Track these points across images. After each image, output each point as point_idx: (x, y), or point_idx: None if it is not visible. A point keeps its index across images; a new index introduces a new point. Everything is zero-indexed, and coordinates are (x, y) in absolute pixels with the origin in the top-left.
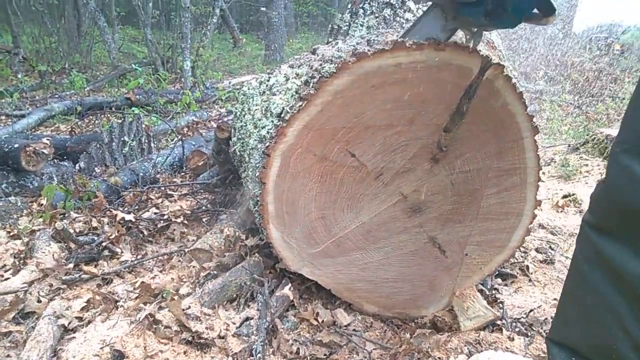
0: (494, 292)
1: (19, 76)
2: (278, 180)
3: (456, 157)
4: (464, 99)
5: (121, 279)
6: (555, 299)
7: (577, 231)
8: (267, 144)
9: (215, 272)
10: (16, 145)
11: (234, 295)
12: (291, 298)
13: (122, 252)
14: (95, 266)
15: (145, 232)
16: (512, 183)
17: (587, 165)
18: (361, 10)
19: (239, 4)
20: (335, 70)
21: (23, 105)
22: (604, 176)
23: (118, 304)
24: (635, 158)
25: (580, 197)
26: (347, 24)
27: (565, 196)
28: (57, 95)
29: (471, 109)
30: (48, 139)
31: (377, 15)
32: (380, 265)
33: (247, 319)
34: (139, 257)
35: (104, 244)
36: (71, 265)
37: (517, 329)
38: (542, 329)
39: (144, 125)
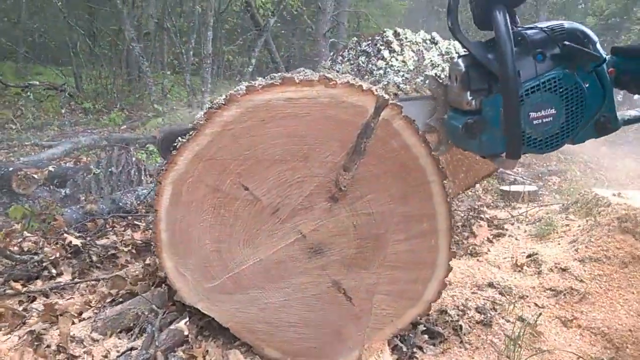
0: (415, 350)
1: (63, 111)
2: (170, 208)
3: (357, 198)
4: (360, 138)
5: (46, 298)
6: None
7: (528, 293)
8: (158, 172)
9: (121, 300)
10: (10, 169)
11: (131, 325)
12: (185, 333)
13: (61, 274)
14: (27, 284)
15: (94, 258)
16: (421, 230)
17: (567, 225)
18: (340, 58)
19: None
20: (224, 102)
21: (57, 138)
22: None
23: (26, 320)
24: None
25: (543, 258)
26: (327, 70)
27: (529, 255)
28: (88, 130)
29: (370, 149)
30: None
31: (352, 62)
32: (281, 307)
33: (132, 349)
34: (74, 280)
35: (44, 264)
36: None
37: None
38: None
39: (133, 159)
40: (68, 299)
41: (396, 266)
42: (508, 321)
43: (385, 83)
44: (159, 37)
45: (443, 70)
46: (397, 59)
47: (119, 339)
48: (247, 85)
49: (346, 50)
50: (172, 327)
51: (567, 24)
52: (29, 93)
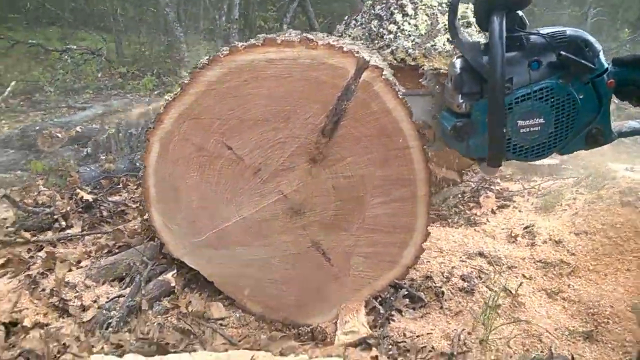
0: (393, 313)
1: (99, 75)
2: (158, 165)
3: (337, 160)
4: (340, 99)
5: (53, 248)
6: (454, 330)
7: (517, 264)
8: (146, 130)
9: (117, 251)
10: (37, 128)
11: (124, 274)
12: (172, 284)
13: (71, 226)
14: (38, 235)
15: (105, 213)
16: (401, 195)
17: (574, 199)
18: (353, 22)
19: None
20: (207, 62)
21: (91, 101)
22: None
23: (30, 266)
24: None
25: (539, 230)
26: (340, 34)
27: (526, 227)
28: (121, 94)
29: (350, 112)
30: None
31: (364, 26)
32: (264, 264)
33: (120, 296)
34: (82, 232)
35: (55, 216)
36: (12, 229)
37: (390, 352)
38: (416, 356)
39: None
40: (73, 249)
41: (375, 229)
42: (491, 290)
43: (394, 48)
44: (194, 2)
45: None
46: (409, 23)
47: (112, 286)
48: (230, 46)
49: (360, 14)
50: (160, 278)
51: (570, 31)
52: (66, 57)
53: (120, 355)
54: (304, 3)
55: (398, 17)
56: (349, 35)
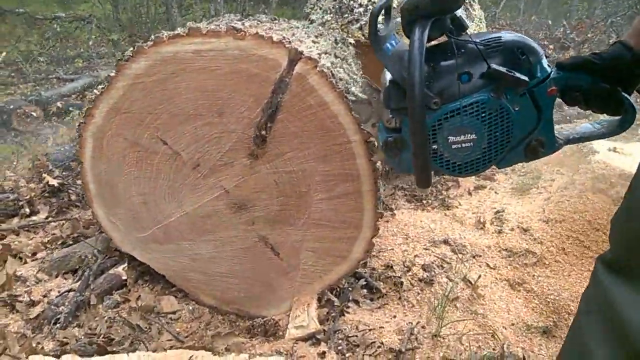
0: (350, 304)
1: (90, 43)
2: (94, 161)
3: (277, 155)
4: (275, 93)
5: (16, 236)
6: (409, 323)
7: (482, 252)
8: (78, 124)
9: (71, 242)
10: (11, 107)
11: (76, 267)
12: (123, 277)
13: (38, 212)
14: (5, 222)
15: (74, 197)
16: (345, 190)
17: (552, 180)
18: None
19: None
20: (132, 55)
21: (82, 70)
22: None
23: None
24: None
25: (508, 216)
26: (312, 5)
27: (497, 212)
28: (110, 63)
29: (286, 106)
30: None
31: None
32: (212, 258)
33: (71, 290)
34: (47, 218)
35: (20, 202)
36: None
37: (339, 347)
38: (364, 352)
39: None
40: (31, 239)
41: (321, 224)
42: (452, 280)
43: (363, 23)
44: None
45: None
46: None
47: (64, 279)
48: (154, 36)
49: None
50: (110, 271)
51: (507, 36)
52: (56, 25)
53: (58, 356)
54: None
55: None
56: (320, 8)
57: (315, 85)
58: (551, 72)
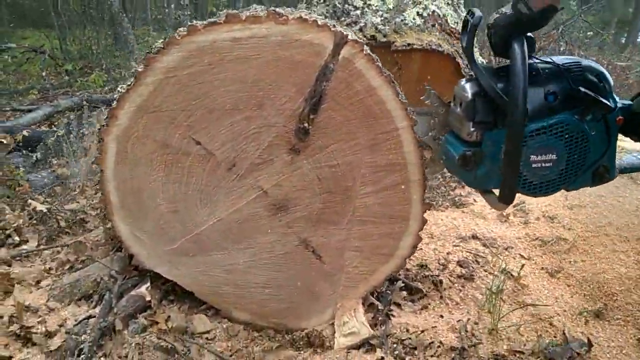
0: (392, 307)
1: (43, 74)
2: (117, 167)
3: (320, 148)
4: (319, 80)
5: (8, 267)
6: (459, 321)
7: (513, 244)
8: (99, 128)
9: (80, 266)
10: None
11: (90, 291)
12: (147, 298)
13: (27, 241)
14: None
15: (63, 223)
16: (392, 181)
17: None
18: (315, 0)
19: None
20: (163, 46)
21: (37, 102)
22: None
23: None
24: None
25: (530, 207)
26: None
27: (515, 205)
28: (68, 93)
29: (331, 94)
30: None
31: (327, 3)
32: (248, 268)
33: (90, 317)
34: (39, 246)
35: (7, 231)
36: None
37: (395, 352)
38: (424, 353)
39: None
40: (30, 267)
41: (367, 220)
42: (491, 274)
43: (363, 25)
44: None
45: (425, 8)
46: None
47: (78, 307)
48: (188, 25)
49: None
50: (132, 292)
51: (584, 62)
52: (7, 57)
53: None
54: None
55: None
56: (314, 12)
57: (363, 69)
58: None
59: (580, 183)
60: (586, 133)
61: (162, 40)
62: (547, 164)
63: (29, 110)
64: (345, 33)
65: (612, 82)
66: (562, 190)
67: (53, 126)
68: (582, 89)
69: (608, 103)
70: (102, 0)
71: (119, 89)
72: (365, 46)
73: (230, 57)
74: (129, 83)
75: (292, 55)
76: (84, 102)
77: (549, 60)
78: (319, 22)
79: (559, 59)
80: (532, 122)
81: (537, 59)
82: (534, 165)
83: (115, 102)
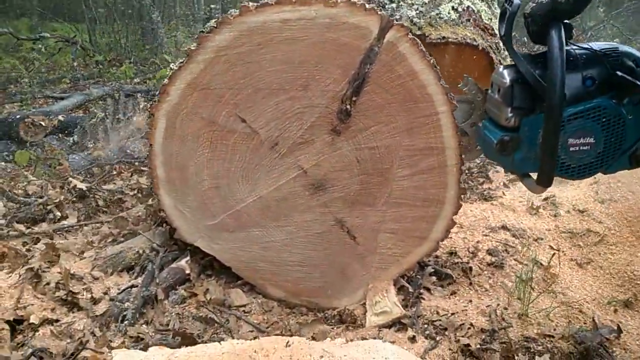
0: (422, 291)
1: (75, 64)
2: (165, 142)
3: (360, 130)
4: (363, 63)
5: (50, 240)
6: (489, 306)
7: (543, 235)
8: (150, 103)
9: (122, 239)
10: (18, 117)
11: (132, 263)
12: (187, 271)
13: (66, 217)
14: (32, 227)
15: (100, 202)
16: (429, 165)
17: None
18: None
19: None
20: (215, 26)
21: (69, 90)
22: None
23: (28, 260)
24: None
25: (560, 200)
26: None
27: (545, 198)
28: (100, 83)
29: (374, 76)
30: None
31: None
32: (284, 246)
33: (133, 286)
34: (79, 222)
35: (48, 207)
36: (3, 221)
37: (426, 332)
38: (455, 334)
39: (141, 106)
40: (72, 240)
41: (402, 203)
42: (520, 263)
43: (398, 17)
44: None
45: (460, 3)
46: None
47: (120, 277)
48: (241, 6)
49: None
50: (173, 265)
51: (621, 48)
52: (40, 46)
53: (143, 349)
54: None
55: None
56: None
57: (406, 53)
58: None
59: (618, 166)
60: (623, 117)
61: (215, 20)
62: (585, 147)
63: (62, 98)
64: (390, 17)
65: None
66: (593, 186)
67: (88, 112)
68: (620, 74)
69: None
70: None
71: (171, 65)
72: (409, 31)
73: (279, 37)
74: (181, 61)
75: (338, 37)
76: (115, 92)
77: (586, 46)
78: (367, 6)
79: (597, 45)
80: (570, 106)
81: (574, 45)
82: (571, 149)
83: (166, 79)
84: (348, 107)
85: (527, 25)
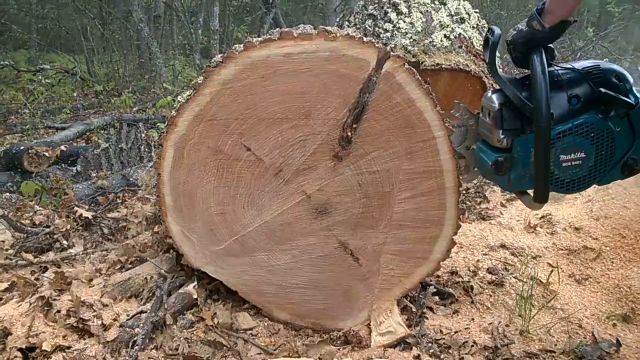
0: (425, 310)
1: (75, 94)
2: (173, 171)
3: (361, 155)
4: (362, 92)
5: (58, 268)
6: (491, 323)
7: (541, 253)
8: (160, 134)
9: (130, 266)
10: (21, 148)
11: (140, 289)
12: (194, 296)
13: (73, 246)
14: (39, 256)
15: (106, 230)
16: (428, 187)
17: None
18: (346, 23)
19: None
20: (221, 60)
21: (69, 120)
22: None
23: (37, 289)
24: None
25: (556, 218)
26: None
27: (542, 217)
28: (100, 112)
29: (373, 105)
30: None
31: (359, 26)
32: (289, 269)
33: (141, 312)
34: (86, 250)
35: (55, 236)
36: (11, 251)
37: (430, 350)
38: (459, 352)
39: (143, 135)
40: (80, 268)
41: (403, 225)
42: (520, 281)
43: (393, 46)
44: (168, 17)
45: (452, 31)
46: (404, 21)
47: (129, 303)
48: (245, 42)
49: (352, 14)
50: (181, 290)
51: (602, 65)
52: (40, 78)
53: None
54: (276, 16)
55: (392, 15)
56: None
57: (403, 82)
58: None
59: (611, 177)
60: (611, 130)
61: (220, 55)
62: (577, 162)
63: (63, 128)
64: (387, 49)
65: (632, 81)
66: (588, 204)
67: (90, 142)
68: (603, 90)
69: (629, 100)
70: (129, 27)
71: (178, 98)
72: (406, 61)
73: (282, 70)
74: (188, 93)
75: (338, 69)
76: (116, 121)
77: (569, 66)
78: (364, 39)
79: (579, 64)
80: (558, 124)
81: (557, 66)
82: (564, 165)
83: (174, 111)
84: (349, 134)
85: (510, 52)
